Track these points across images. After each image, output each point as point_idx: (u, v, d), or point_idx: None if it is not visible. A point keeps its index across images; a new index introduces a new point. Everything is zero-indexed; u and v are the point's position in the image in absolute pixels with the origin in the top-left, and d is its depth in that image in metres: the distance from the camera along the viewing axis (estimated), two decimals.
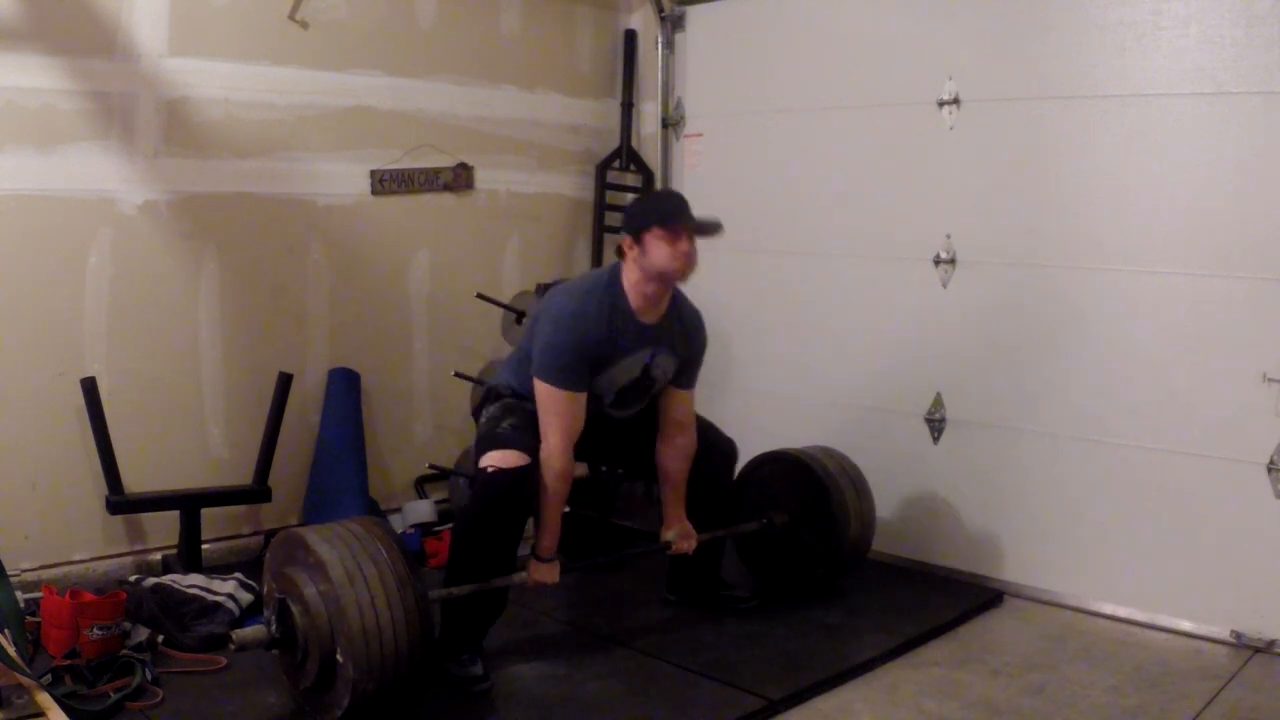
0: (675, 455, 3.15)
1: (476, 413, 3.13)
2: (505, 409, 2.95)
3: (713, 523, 3.28)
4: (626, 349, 2.90)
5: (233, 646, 2.47)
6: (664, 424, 3.14)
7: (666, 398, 3.11)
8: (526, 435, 2.83)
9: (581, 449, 2.95)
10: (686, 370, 3.10)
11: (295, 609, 2.47)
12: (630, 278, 2.89)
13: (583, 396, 2.85)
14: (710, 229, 2.88)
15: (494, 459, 2.76)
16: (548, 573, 2.91)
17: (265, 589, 2.64)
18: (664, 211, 2.86)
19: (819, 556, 3.43)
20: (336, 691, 2.44)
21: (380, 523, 2.65)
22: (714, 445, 3.26)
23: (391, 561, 2.49)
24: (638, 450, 3.22)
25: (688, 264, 2.85)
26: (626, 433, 3.16)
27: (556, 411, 2.82)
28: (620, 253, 2.92)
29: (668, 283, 2.90)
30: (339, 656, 2.40)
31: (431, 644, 2.56)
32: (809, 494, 3.45)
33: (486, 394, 3.08)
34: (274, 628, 2.49)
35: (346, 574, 2.42)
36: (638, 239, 2.84)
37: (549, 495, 2.84)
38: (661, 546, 3.21)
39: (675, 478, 3.16)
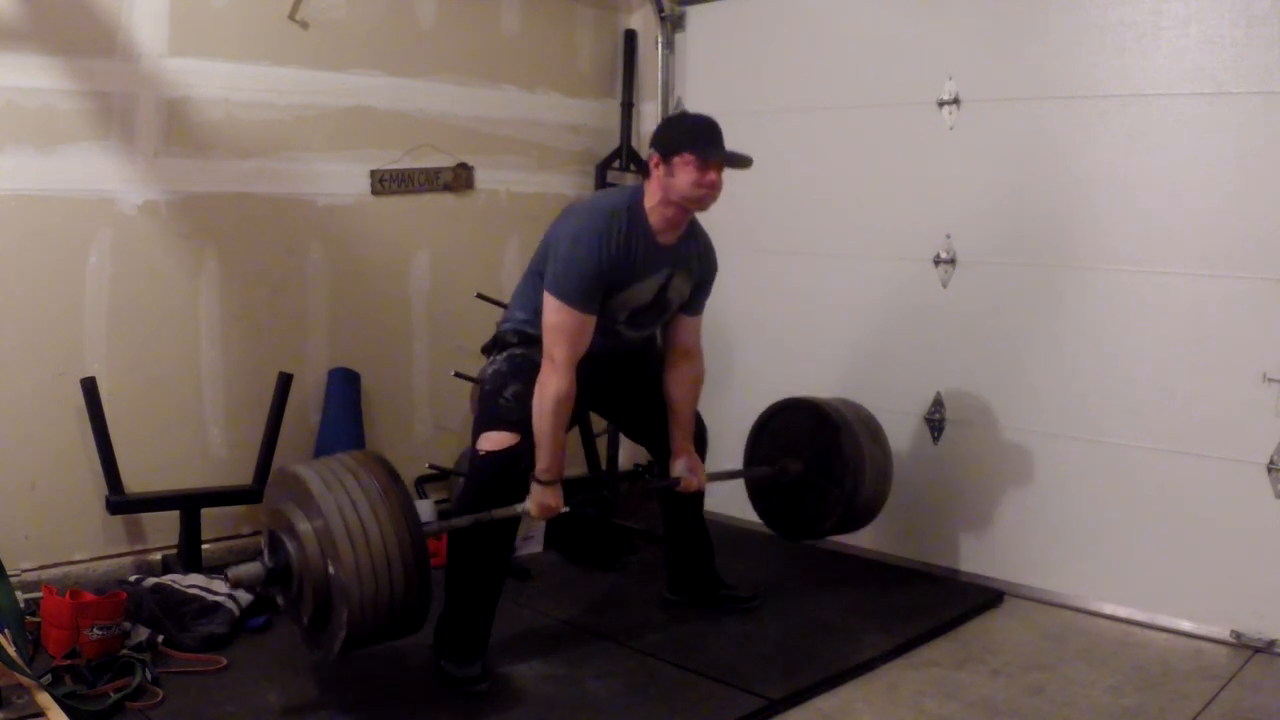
0: (682, 383, 3.10)
1: (486, 350, 3.06)
2: (513, 368, 2.87)
3: (688, 507, 3.27)
4: (644, 270, 2.86)
5: (229, 584, 2.46)
6: (670, 352, 3.11)
7: (674, 324, 3.07)
8: (526, 405, 2.78)
9: (583, 398, 2.89)
10: (697, 294, 3.06)
11: (289, 543, 2.44)
12: (653, 198, 2.85)
13: (593, 319, 2.79)
14: (741, 161, 2.82)
15: (487, 442, 2.77)
16: (551, 496, 2.79)
17: (263, 524, 2.61)
18: (697, 138, 2.79)
19: (832, 505, 3.39)
20: (334, 624, 2.41)
21: (376, 455, 2.61)
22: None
23: (384, 491, 2.45)
24: (637, 406, 3.19)
25: (712, 195, 2.81)
26: (628, 387, 3.13)
27: (564, 330, 2.74)
28: (645, 170, 2.88)
29: (689, 210, 2.87)
30: (332, 587, 2.37)
31: (429, 576, 2.50)
32: (824, 441, 3.40)
33: (494, 341, 3.02)
34: (268, 563, 2.47)
35: (338, 505, 2.38)
36: (666, 159, 2.80)
37: (550, 416, 2.73)
38: (670, 482, 3.15)
39: (681, 406, 3.11)
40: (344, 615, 2.37)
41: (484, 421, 2.85)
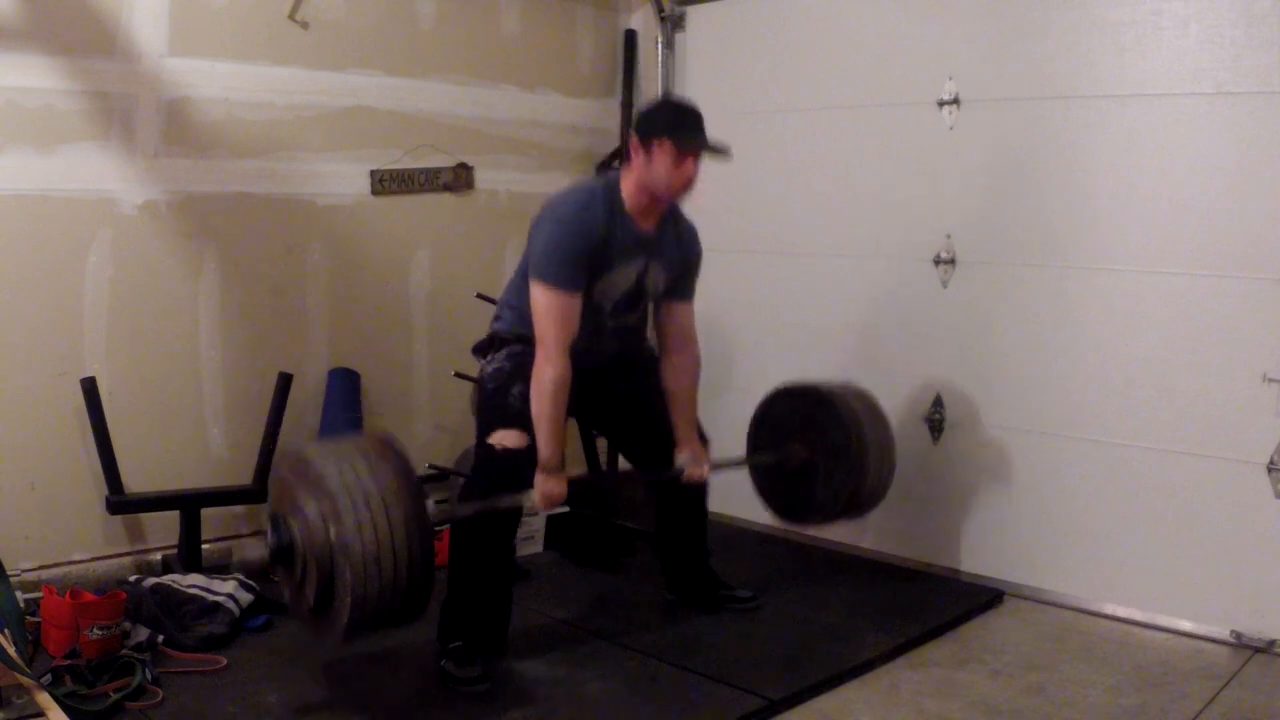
0: (681, 372, 3.09)
1: (479, 351, 3.05)
2: (516, 365, 2.87)
3: (690, 504, 3.27)
4: (623, 254, 2.85)
5: (234, 566, 2.44)
6: (666, 341, 3.09)
7: (666, 313, 3.06)
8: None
9: (582, 401, 2.89)
10: (684, 280, 3.05)
11: (294, 525, 2.42)
12: (629, 182, 2.85)
13: (578, 299, 2.77)
14: (720, 153, 2.81)
15: (502, 439, 2.77)
16: (555, 484, 2.78)
17: (269, 505, 2.59)
18: (678, 126, 2.78)
19: (838, 490, 3.37)
20: (336, 609, 2.39)
21: (385, 438, 2.58)
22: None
23: (393, 475, 2.43)
24: (629, 422, 3.19)
25: (687, 187, 2.81)
26: (620, 401, 3.13)
27: (552, 315, 2.73)
28: (625, 155, 2.87)
29: (662, 199, 2.86)
30: (337, 568, 2.35)
31: (433, 560, 2.48)
32: (827, 426, 3.38)
33: (490, 340, 3.01)
34: (272, 544, 2.44)
35: (345, 487, 2.35)
36: (645, 145, 2.79)
37: (548, 402, 2.72)
38: (674, 474, 3.12)
39: (682, 395, 3.09)
40: (348, 598, 2.33)
41: (495, 420, 2.84)
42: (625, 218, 2.85)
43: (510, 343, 2.94)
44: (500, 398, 2.85)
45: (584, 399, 2.91)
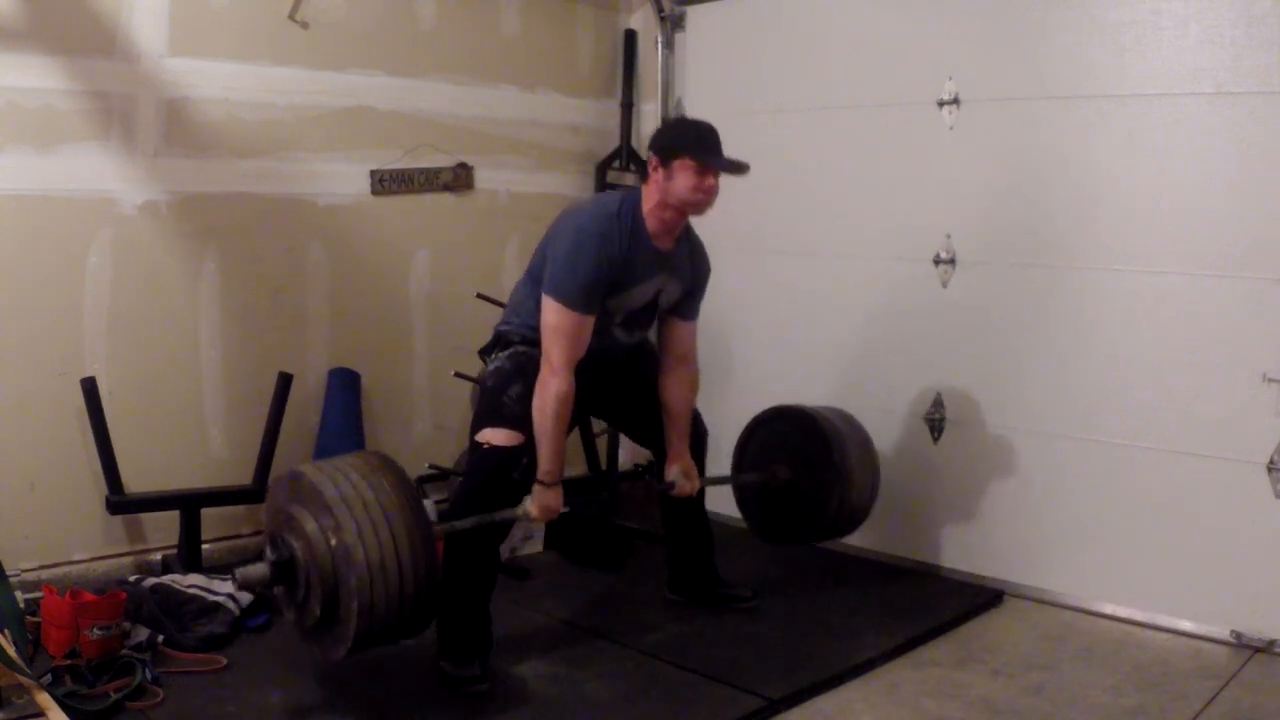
0: (678, 387, 3.11)
1: (486, 351, 3.07)
2: (516, 366, 2.88)
3: (687, 506, 3.28)
4: (642, 274, 2.88)
5: (236, 584, 2.44)
6: (666, 357, 3.12)
7: (669, 331, 3.09)
8: (529, 404, 2.79)
9: (583, 402, 2.91)
10: (690, 299, 3.08)
11: (296, 545, 2.42)
12: (650, 201, 2.88)
13: (591, 320, 2.79)
14: (739, 169, 2.85)
15: (491, 436, 2.78)
16: (553, 498, 2.81)
17: (267, 525, 2.59)
18: (697, 143, 2.83)
19: (819, 513, 3.42)
20: (341, 626, 2.39)
21: (382, 455, 2.60)
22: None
23: (393, 491, 2.44)
24: (636, 407, 3.20)
25: (709, 200, 2.85)
26: (626, 389, 3.14)
27: (564, 333, 2.75)
28: (644, 173, 2.90)
29: (686, 214, 2.89)
30: (341, 580, 2.35)
31: (437, 577, 2.50)
32: (814, 450, 3.43)
33: (496, 340, 3.02)
34: (275, 565, 2.44)
35: (347, 506, 2.36)
36: (665, 163, 2.82)
37: (551, 418, 2.74)
38: (665, 486, 3.17)
39: (678, 410, 3.12)
40: (353, 615, 2.34)
41: (486, 417, 2.85)
42: (645, 237, 2.88)
43: (515, 344, 2.95)
44: (496, 396, 2.86)
45: (589, 389, 2.92)
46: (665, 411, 3.13)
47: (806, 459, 3.45)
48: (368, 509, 2.39)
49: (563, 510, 2.84)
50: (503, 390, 2.86)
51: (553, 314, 2.76)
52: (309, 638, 2.53)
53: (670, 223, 2.89)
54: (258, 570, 2.46)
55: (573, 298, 2.75)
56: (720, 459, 3.89)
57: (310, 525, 2.41)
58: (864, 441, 3.54)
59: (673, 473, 3.16)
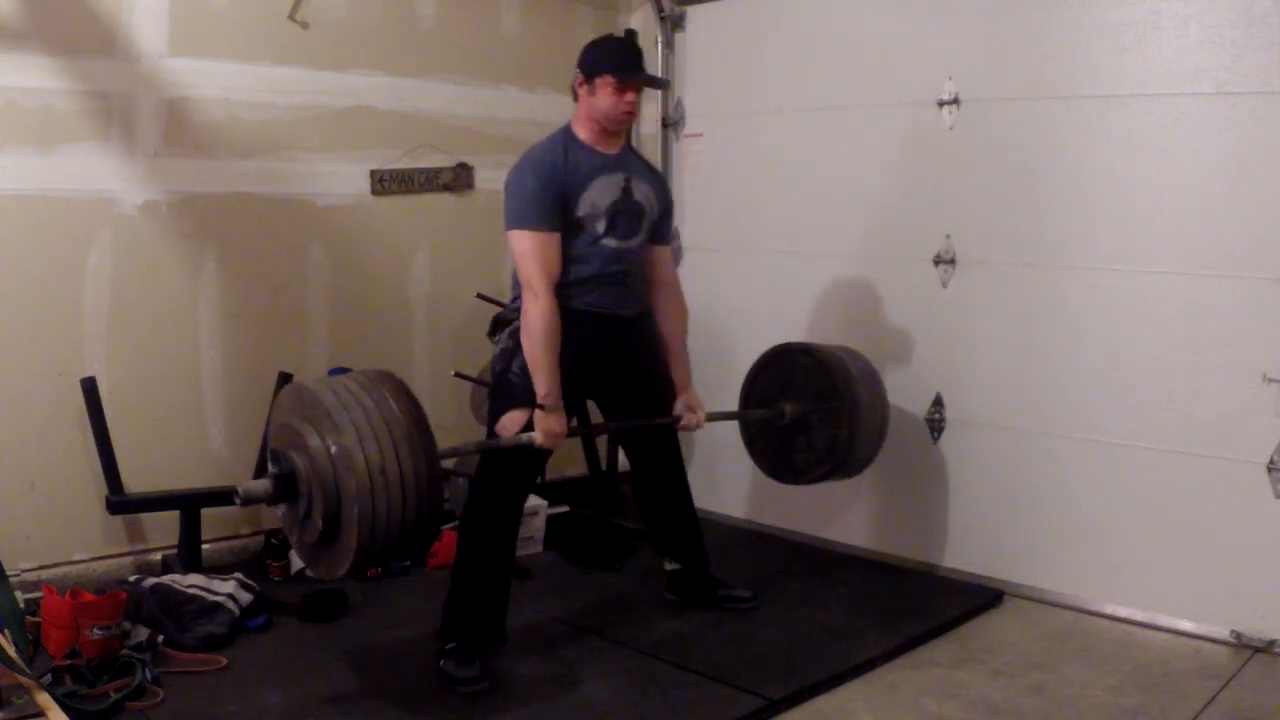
0: (669, 315, 3.18)
1: (490, 333, 3.09)
2: (516, 341, 2.88)
3: (675, 500, 3.33)
4: (593, 170, 2.92)
5: (238, 500, 2.41)
6: (653, 289, 3.17)
7: (648, 260, 3.13)
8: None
9: (583, 390, 2.98)
10: (662, 220, 3.14)
11: (299, 459, 2.40)
12: (578, 119, 2.97)
13: (555, 237, 2.83)
14: (657, 83, 2.97)
15: (508, 424, 2.83)
16: (555, 421, 2.79)
17: (271, 440, 2.56)
18: (618, 62, 2.93)
19: (823, 455, 3.42)
20: (342, 544, 2.37)
21: (390, 375, 2.58)
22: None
23: (399, 409, 2.42)
24: (628, 402, 3.20)
25: (630, 116, 2.95)
26: (624, 381, 3.14)
27: (531, 255, 2.79)
28: (573, 93, 2.98)
29: (608, 127, 2.95)
30: (342, 498, 2.33)
31: (440, 501, 2.47)
32: (820, 383, 3.42)
33: (496, 323, 3.05)
34: (276, 479, 2.42)
35: (352, 422, 2.34)
36: (589, 79, 2.92)
37: (540, 341, 2.76)
38: (671, 421, 3.19)
39: (673, 340, 3.19)
40: (353, 523, 2.30)
41: (502, 404, 2.89)
42: (582, 146, 2.95)
43: (513, 320, 2.95)
44: (505, 379, 2.90)
45: (589, 374, 2.97)
46: (665, 346, 3.19)
47: (813, 393, 3.43)
48: (367, 415, 2.36)
49: (565, 433, 2.85)
50: (507, 367, 2.90)
51: (516, 242, 2.82)
52: (312, 558, 2.49)
53: (601, 134, 2.96)
54: (260, 486, 2.43)
55: (525, 216, 2.80)
56: (721, 458, 3.89)
57: (313, 438, 2.37)
58: (871, 375, 3.52)
59: (678, 406, 3.19)
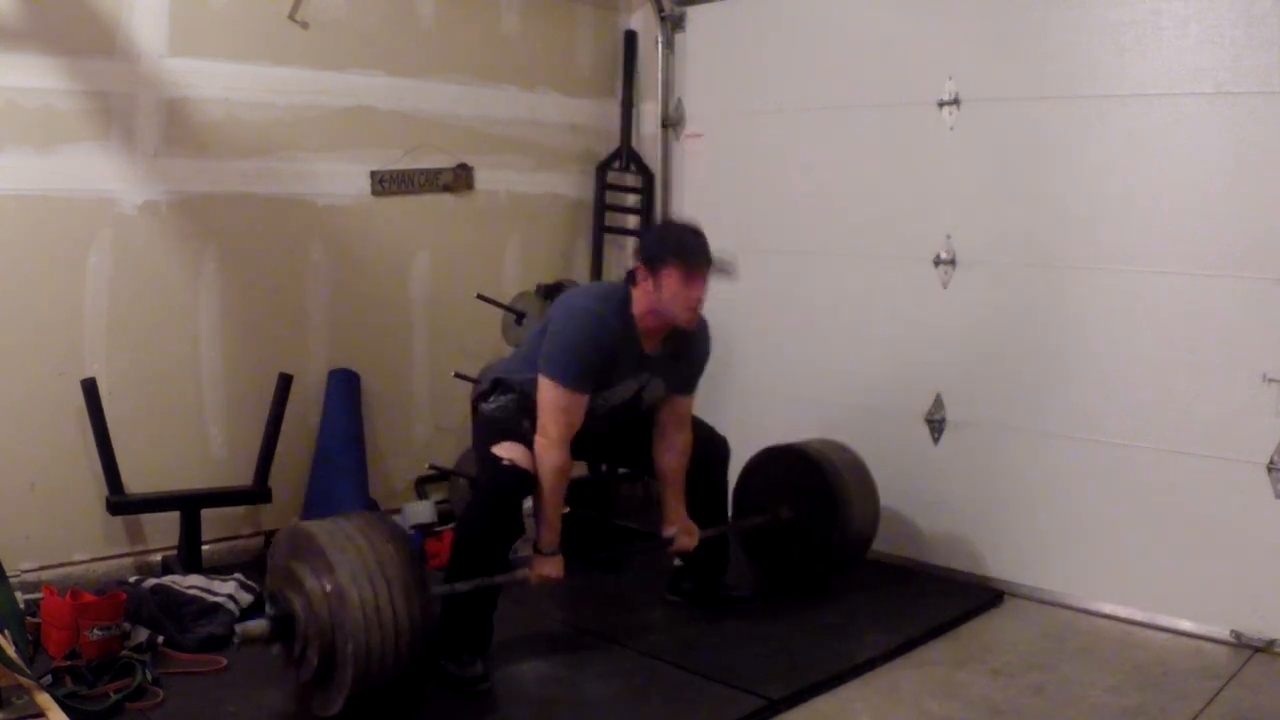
0: (673, 453, 3.16)
1: (481, 398, 3.09)
2: (520, 407, 2.93)
3: (709, 519, 3.29)
4: (626, 371, 2.93)
5: (236, 640, 2.46)
6: (662, 424, 3.15)
7: (666, 403, 3.11)
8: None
9: (580, 448, 2.96)
10: (688, 379, 3.12)
11: (297, 602, 2.46)
12: (640, 306, 2.90)
13: (585, 399, 2.86)
14: (727, 269, 2.88)
15: (510, 451, 2.80)
16: (552, 566, 2.90)
17: (268, 582, 2.63)
18: (684, 247, 2.84)
19: (821, 551, 3.45)
20: (336, 684, 2.43)
21: (384, 518, 2.66)
22: (709, 440, 3.27)
23: (395, 554, 2.48)
24: (636, 447, 3.22)
25: (696, 309, 2.87)
26: (624, 432, 3.16)
27: (559, 409, 2.82)
28: (632, 277, 2.91)
29: (669, 323, 2.90)
30: (337, 636, 2.39)
31: (433, 639, 2.55)
32: (813, 488, 3.45)
33: (494, 383, 3.05)
34: (274, 620, 2.47)
35: (349, 568, 2.41)
36: (653, 270, 2.83)
37: (549, 490, 2.84)
38: (664, 543, 3.20)
39: (673, 476, 3.17)
40: (349, 660, 2.38)
41: (501, 435, 2.88)
42: (634, 337, 2.91)
43: (516, 391, 2.98)
44: (508, 423, 2.91)
45: (588, 440, 2.98)
46: (660, 475, 3.19)
47: (804, 493, 3.48)
48: (361, 556, 2.44)
49: (562, 577, 2.91)
50: (516, 421, 2.91)
51: (549, 391, 2.82)
52: (308, 693, 2.54)
53: (657, 329, 2.93)
54: (258, 626, 2.49)
55: (566, 378, 2.81)
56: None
57: (309, 579, 2.45)
58: (858, 466, 3.57)
59: (671, 531, 3.20)
